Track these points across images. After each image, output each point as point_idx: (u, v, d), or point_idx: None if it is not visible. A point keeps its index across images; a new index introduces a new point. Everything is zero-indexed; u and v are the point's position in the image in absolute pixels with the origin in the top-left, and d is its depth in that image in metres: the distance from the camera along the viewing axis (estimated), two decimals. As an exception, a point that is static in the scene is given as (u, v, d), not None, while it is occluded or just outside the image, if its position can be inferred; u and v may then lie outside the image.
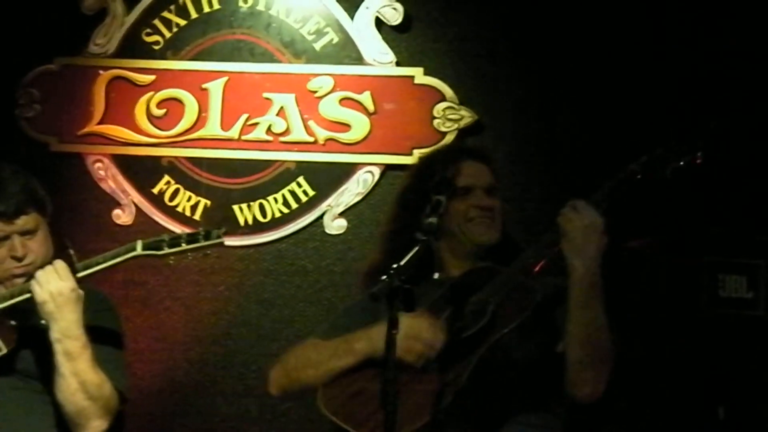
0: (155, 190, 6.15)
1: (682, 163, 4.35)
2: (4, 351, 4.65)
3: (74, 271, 4.62)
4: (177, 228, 6.12)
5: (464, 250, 4.59)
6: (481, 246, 4.56)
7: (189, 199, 6.24)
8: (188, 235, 4.71)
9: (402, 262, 3.93)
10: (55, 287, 4.63)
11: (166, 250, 4.67)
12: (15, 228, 4.69)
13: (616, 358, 4.37)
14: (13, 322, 4.67)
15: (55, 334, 4.57)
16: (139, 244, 4.65)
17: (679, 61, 6.19)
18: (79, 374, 4.62)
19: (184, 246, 4.71)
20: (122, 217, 6.12)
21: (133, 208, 6.19)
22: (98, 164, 6.26)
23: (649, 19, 6.22)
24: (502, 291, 4.40)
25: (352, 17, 6.18)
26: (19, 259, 4.70)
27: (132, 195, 5.92)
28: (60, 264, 4.62)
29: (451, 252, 4.61)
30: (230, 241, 5.99)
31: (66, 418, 4.67)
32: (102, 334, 4.80)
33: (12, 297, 4.68)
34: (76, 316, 4.63)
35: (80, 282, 4.62)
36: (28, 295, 4.58)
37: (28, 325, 4.64)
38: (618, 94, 6.14)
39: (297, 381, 4.67)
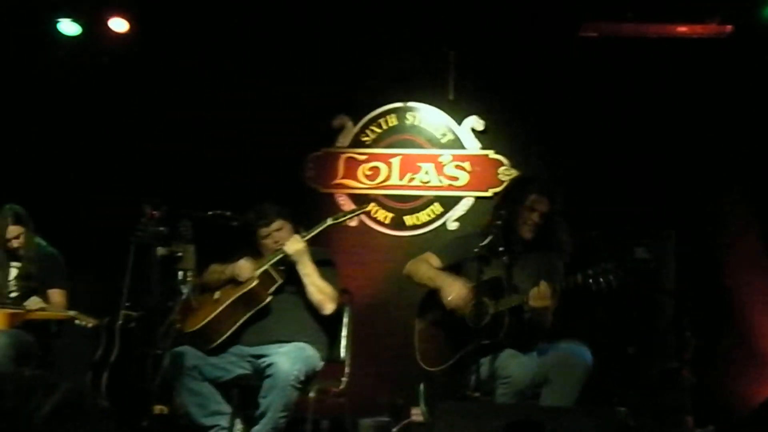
0: (367, 209, 8.10)
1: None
2: (281, 281, 6.30)
3: (302, 238, 6.26)
4: (377, 227, 8.37)
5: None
6: None
7: (385, 215, 8.44)
8: (349, 211, 6.52)
9: (485, 242, 5.60)
10: (296, 248, 6.24)
11: (341, 219, 6.32)
12: (270, 229, 6.38)
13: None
14: (282, 267, 6.33)
15: (298, 266, 6.26)
16: (329, 219, 6.31)
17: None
18: (313, 284, 6.27)
19: (348, 215, 6.39)
20: (352, 222, 7.77)
21: (358, 219, 8.20)
22: (341, 198, 8.43)
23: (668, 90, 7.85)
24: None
25: (459, 125, 8.44)
26: (276, 242, 6.36)
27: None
28: (296, 239, 6.23)
29: None
30: (403, 233, 8.35)
31: (314, 306, 6.29)
32: (324, 265, 6.39)
33: (276, 256, 6.31)
34: (307, 258, 6.25)
35: (308, 243, 6.25)
36: (283, 254, 6.28)
37: (285, 267, 6.31)
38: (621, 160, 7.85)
39: (413, 277, 6.31)
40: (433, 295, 6.18)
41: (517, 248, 5.91)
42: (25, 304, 6.56)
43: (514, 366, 5.61)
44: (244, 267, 6.32)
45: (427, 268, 6.25)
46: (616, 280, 5.42)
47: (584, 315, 6.41)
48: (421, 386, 6.38)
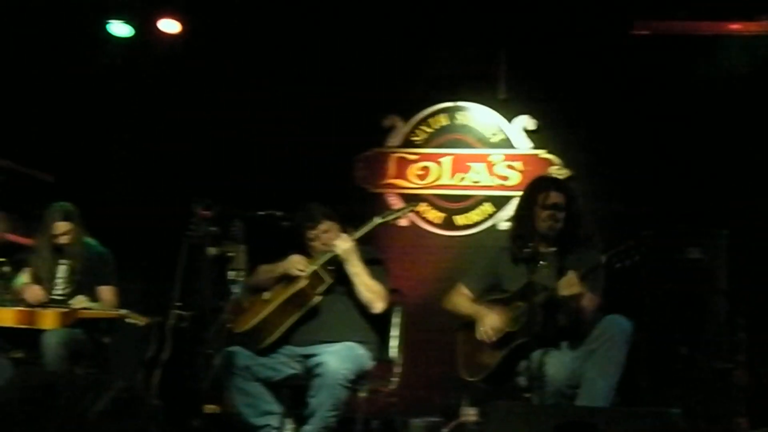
0: (418, 209, 8.35)
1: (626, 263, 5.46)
2: (331, 282, 6.23)
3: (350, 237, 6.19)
4: (427, 227, 8.47)
5: None
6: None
7: (435, 214, 8.54)
8: (397, 209, 6.49)
9: (530, 244, 5.57)
10: (344, 247, 6.20)
11: (389, 218, 6.27)
12: (318, 231, 6.35)
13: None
14: (331, 267, 6.26)
15: (347, 265, 6.21)
16: (377, 218, 6.25)
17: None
18: (362, 283, 6.23)
19: (396, 214, 6.35)
20: (402, 222, 8.06)
21: (408, 219, 8.37)
22: (391, 198, 8.57)
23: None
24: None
25: (510, 124, 8.52)
26: (324, 244, 6.31)
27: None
28: (345, 238, 6.19)
29: None
30: (454, 233, 8.43)
31: (363, 304, 6.25)
32: (373, 264, 6.35)
33: (325, 254, 6.22)
34: (355, 256, 6.21)
35: (357, 243, 6.19)
36: (332, 253, 6.22)
37: (334, 267, 6.27)
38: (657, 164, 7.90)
39: (456, 310, 6.18)
40: None
41: (543, 248, 5.87)
42: (70, 302, 6.63)
43: (549, 365, 5.55)
44: (295, 261, 6.31)
45: (463, 301, 6.21)
46: (638, 254, 5.40)
47: (632, 309, 6.11)
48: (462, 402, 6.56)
